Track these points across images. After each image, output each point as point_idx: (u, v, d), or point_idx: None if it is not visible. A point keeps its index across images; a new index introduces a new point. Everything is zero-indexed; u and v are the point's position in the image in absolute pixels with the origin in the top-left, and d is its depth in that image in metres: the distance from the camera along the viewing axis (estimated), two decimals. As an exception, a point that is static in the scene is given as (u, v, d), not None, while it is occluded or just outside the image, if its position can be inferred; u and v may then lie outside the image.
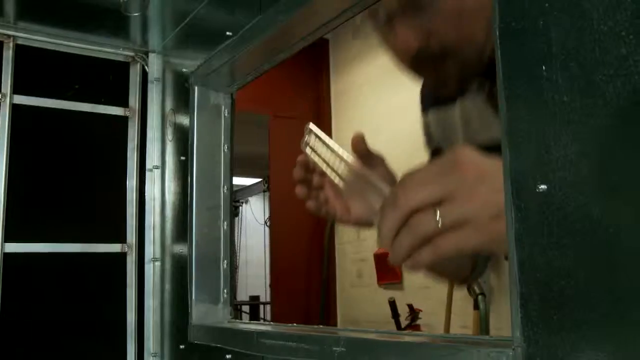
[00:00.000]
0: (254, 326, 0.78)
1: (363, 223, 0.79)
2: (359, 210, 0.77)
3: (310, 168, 0.78)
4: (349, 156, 0.72)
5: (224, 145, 0.89)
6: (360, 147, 0.76)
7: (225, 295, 0.87)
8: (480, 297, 1.49)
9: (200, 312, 0.85)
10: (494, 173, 0.50)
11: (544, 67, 0.39)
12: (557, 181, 0.38)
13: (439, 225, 0.51)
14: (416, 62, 0.76)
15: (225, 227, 0.88)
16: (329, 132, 4.04)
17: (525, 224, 0.39)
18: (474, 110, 0.91)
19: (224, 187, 0.89)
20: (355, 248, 3.60)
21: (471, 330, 1.83)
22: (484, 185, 0.51)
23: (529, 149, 0.40)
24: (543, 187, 0.38)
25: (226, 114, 0.91)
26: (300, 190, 0.78)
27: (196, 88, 0.90)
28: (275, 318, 3.95)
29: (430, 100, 0.97)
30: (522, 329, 0.40)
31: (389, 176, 0.78)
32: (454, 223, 0.51)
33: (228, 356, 0.75)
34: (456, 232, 0.51)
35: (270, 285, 4.15)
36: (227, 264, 0.87)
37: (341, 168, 0.73)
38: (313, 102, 4.12)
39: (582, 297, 0.36)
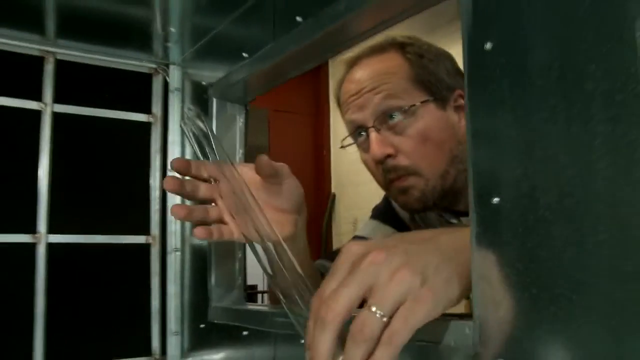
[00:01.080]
0: (266, 307, 0.90)
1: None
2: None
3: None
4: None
5: (238, 151, 1.02)
6: (264, 171, 0.80)
7: (239, 282, 1.00)
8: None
9: (218, 296, 0.98)
10: (393, 247, 0.52)
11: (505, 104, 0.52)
12: (507, 195, 0.50)
13: (381, 317, 0.48)
14: (382, 173, 0.97)
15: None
16: (327, 129, 4.15)
17: (483, 228, 0.52)
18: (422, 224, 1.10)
19: (238, 186, 1.02)
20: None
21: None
22: (395, 258, 0.50)
23: (486, 172, 0.52)
24: (496, 199, 0.51)
25: (240, 123, 1.03)
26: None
27: (214, 100, 1.02)
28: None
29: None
30: (480, 308, 0.53)
31: (295, 188, 0.84)
32: (397, 304, 0.49)
33: (245, 332, 0.88)
34: (409, 309, 0.49)
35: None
36: (241, 254, 1.00)
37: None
38: (312, 98, 4.23)
39: (524, 286, 0.49)
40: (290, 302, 0.65)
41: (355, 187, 3.94)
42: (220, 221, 0.80)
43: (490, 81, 0.52)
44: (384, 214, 1.17)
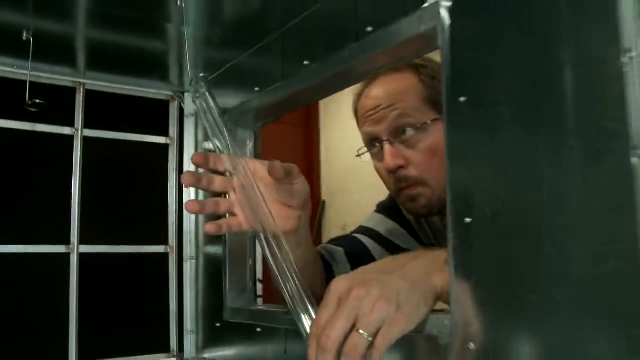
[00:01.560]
0: (278, 307, 1.04)
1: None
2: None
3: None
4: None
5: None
6: (277, 175, 0.86)
7: (250, 286, 1.14)
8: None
9: (232, 298, 1.12)
10: (371, 280, 0.66)
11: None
12: (476, 217, 0.64)
13: (367, 337, 0.63)
14: (394, 181, 1.09)
15: (249, 233, 1.14)
16: (317, 139, 4.27)
17: (459, 242, 0.66)
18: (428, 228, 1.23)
19: (249, 202, 1.16)
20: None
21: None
22: (373, 290, 0.65)
23: (461, 200, 0.66)
24: (468, 220, 0.65)
25: (250, 147, 1.17)
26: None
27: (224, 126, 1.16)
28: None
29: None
30: (456, 304, 0.66)
31: (303, 187, 0.91)
32: (378, 327, 0.64)
33: (258, 329, 1.02)
34: (386, 330, 0.64)
35: (259, 280, 4.42)
36: (252, 262, 1.14)
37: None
38: (303, 109, 4.36)
39: (491, 288, 0.63)
40: (280, 286, 0.80)
41: (344, 195, 4.08)
42: (231, 213, 0.87)
43: (463, 126, 0.66)
44: (389, 209, 1.30)
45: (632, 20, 0.52)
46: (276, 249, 0.84)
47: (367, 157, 1.19)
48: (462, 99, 0.66)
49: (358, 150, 1.20)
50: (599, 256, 0.53)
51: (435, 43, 0.72)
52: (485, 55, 0.65)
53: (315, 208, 4.23)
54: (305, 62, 0.93)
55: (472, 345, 0.64)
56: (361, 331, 0.64)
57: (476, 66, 0.66)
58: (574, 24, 0.56)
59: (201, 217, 1.24)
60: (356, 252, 1.22)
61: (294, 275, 0.81)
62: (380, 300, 0.64)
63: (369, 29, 0.81)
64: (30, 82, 1.08)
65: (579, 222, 0.55)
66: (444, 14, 0.70)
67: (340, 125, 3.97)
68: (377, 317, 0.64)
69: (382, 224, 1.30)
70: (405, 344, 0.70)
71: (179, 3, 0.98)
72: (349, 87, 0.97)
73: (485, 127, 0.64)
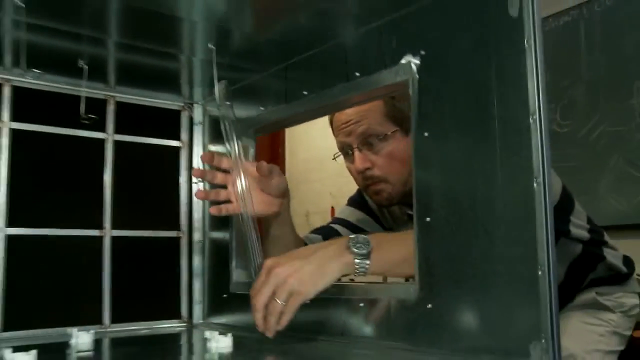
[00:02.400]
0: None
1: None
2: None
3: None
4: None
5: (251, 171, 1.43)
6: (262, 172, 1.24)
7: (252, 264, 1.41)
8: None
9: (237, 274, 1.39)
10: (286, 263, 0.99)
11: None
12: (435, 217, 0.93)
13: (282, 302, 0.97)
14: (362, 179, 1.39)
15: (251, 223, 1.41)
16: (282, 132, 4.52)
17: (422, 235, 0.95)
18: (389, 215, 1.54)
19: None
20: (304, 230, 4.15)
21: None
22: (286, 269, 0.98)
23: (423, 203, 0.95)
24: (428, 219, 0.94)
25: (251, 151, 1.44)
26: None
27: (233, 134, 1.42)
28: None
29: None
30: (420, 280, 0.95)
31: (281, 181, 1.29)
32: (289, 296, 0.97)
33: (262, 298, 1.29)
34: (292, 298, 0.97)
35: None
36: (252, 246, 1.41)
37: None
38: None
39: (444, 268, 0.92)
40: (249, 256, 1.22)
41: (307, 184, 4.37)
42: (228, 200, 1.25)
43: (427, 154, 0.95)
44: (358, 202, 1.62)
45: (534, 92, 0.81)
46: (252, 230, 1.22)
47: (341, 159, 1.49)
48: (426, 134, 0.95)
49: (335, 155, 1.48)
50: (513, 241, 0.83)
51: (405, 90, 1.00)
52: (442, 102, 0.94)
53: (280, 195, 4.50)
54: (305, 92, 1.20)
55: (429, 306, 0.93)
56: (277, 299, 0.98)
57: (435, 110, 0.95)
58: (500, 91, 0.86)
59: (207, 207, 1.51)
60: (332, 238, 1.51)
61: (259, 251, 1.20)
62: (290, 277, 0.98)
63: (357, 74, 1.09)
64: (72, 95, 1.33)
65: (500, 219, 0.84)
66: (414, 70, 0.98)
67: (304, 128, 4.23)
68: (287, 289, 0.98)
69: (353, 215, 1.60)
70: (384, 305, 0.99)
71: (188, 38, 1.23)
72: (335, 113, 1.25)
73: (440, 155, 0.93)
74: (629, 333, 1.45)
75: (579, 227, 1.35)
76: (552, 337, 0.78)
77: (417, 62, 0.98)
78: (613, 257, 1.43)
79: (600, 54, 2.74)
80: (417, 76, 0.98)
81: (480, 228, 0.87)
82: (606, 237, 1.45)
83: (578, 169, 2.79)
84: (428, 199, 0.95)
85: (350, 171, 1.47)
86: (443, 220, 0.92)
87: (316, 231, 1.57)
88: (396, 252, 1.04)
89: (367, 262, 1.01)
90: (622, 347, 1.42)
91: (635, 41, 2.62)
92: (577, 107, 2.82)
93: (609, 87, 2.70)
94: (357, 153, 1.40)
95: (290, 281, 0.98)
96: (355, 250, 1.01)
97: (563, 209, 1.32)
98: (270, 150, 4.59)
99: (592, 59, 2.77)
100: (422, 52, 0.97)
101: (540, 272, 0.79)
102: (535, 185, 0.80)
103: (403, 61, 1.00)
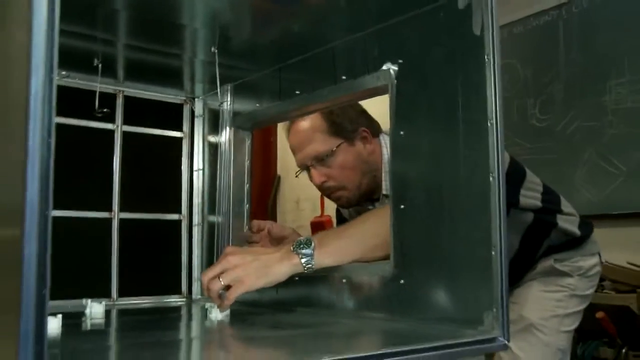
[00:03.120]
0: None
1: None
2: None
3: None
4: None
5: (247, 161, 1.57)
6: (256, 228, 1.50)
7: (246, 245, 1.55)
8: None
9: (234, 254, 1.53)
10: (238, 253, 1.15)
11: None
12: (408, 205, 1.07)
13: (223, 283, 1.12)
14: (322, 190, 1.58)
15: (247, 207, 1.56)
16: (275, 133, 4.65)
17: (397, 221, 1.09)
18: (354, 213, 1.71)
19: (246, 184, 1.57)
20: (295, 216, 4.31)
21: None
22: (236, 259, 1.14)
23: (398, 193, 1.10)
24: (402, 206, 1.08)
25: (248, 143, 1.58)
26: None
27: (231, 127, 1.56)
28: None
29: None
30: (394, 259, 1.10)
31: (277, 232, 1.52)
32: (232, 281, 1.11)
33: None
34: (235, 285, 1.11)
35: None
36: (246, 229, 1.55)
37: None
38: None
39: (416, 250, 1.07)
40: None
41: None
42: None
43: (401, 150, 1.09)
44: (337, 210, 1.79)
45: (492, 100, 0.95)
46: None
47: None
48: (401, 132, 1.10)
49: (296, 172, 1.64)
50: (473, 227, 0.97)
51: (385, 92, 1.14)
52: (416, 105, 1.09)
53: (271, 183, 4.64)
54: (297, 92, 1.34)
55: (402, 281, 1.08)
56: (221, 280, 1.12)
57: (410, 112, 1.09)
58: (465, 98, 1.00)
59: (206, 192, 1.65)
60: None
61: None
62: (237, 267, 1.13)
63: (344, 77, 1.23)
64: (84, 89, 1.46)
65: (463, 208, 0.99)
66: (393, 76, 1.12)
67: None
68: (231, 275, 1.12)
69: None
70: (364, 280, 1.14)
71: (190, 38, 1.36)
72: (323, 110, 1.40)
73: (413, 151, 1.08)
74: (590, 292, 1.59)
75: (530, 198, 1.48)
76: (501, 307, 0.93)
77: (396, 69, 1.13)
78: (567, 222, 1.54)
79: (577, 53, 2.89)
80: (395, 81, 1.12)
81: (447, 215, 1.02)
82: (563, 205, 1.57)
83: (555, 161, 2.94)
84: (403, 190, 1.09)
85: (312, 182, 1.63)
86: (415, 207, 1.07)
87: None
88: (337, 245, 1.19)
89: (313, 259, 1.16)
90: (582, 307, 1.57)
91: (609, 42, 2.77)
92: (555, 103, 2.97)
93: (585, 85, 2.86)
94: (312, 170, 1.58)
95: (237, 270, 1.13)
96: (300, 251, 1.16)
97: (511, 182, 1.42)
98: (262, 141, 4.72)
99: (569, 57, 2.92)
100: (400, 61, 1.12)
101: (493, 253, 0.94)
102: (491, 179, 0.95)
103: (384, 67, 1.14)
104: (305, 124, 1.57)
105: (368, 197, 1.60)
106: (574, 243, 1.55)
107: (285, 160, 4.66)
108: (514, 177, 1.47)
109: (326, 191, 1.61)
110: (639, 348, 2.41)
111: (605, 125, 2.78)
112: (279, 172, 4.69)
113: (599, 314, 2.31)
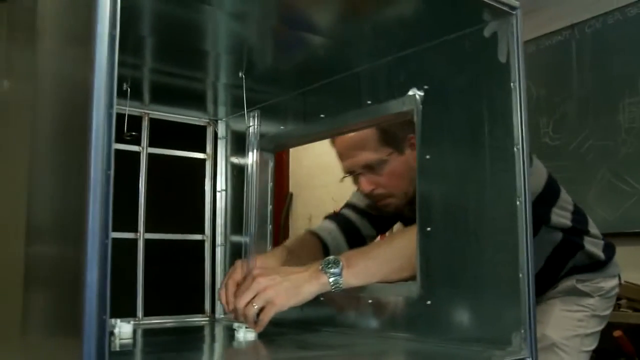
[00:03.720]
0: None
1: None
2: None
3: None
4: None
5: (270, 183, 1.60)
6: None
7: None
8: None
9: (257, 274, 1.56)
10: (267, 275, 1.16)
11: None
12: (435, 227, 1.10)
13: (256, 308, 1.13)
14: (370, 197, 1.58)
15: (270, 228, 1.58)
16: (287, 151, 4.68)
17: (423, 242, 1.12)
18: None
19: (269, 205, 1.60)
20: (307, 233, 4.33)
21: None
22: (266, 281, 1.15)
23: (425, 216, 1.12)
24: (429, 229, 1.10)
25: (271, 164, 1.60)
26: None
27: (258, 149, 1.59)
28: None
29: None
30: (421, 280, 1.12)
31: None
32: (264, 303, 1.13)
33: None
34: (267, 307, 1.13)
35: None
36: (270, 247, 1.58)
37: None
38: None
39: (443, 271, 1.09)
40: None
41: (310, 189, 4.54)
42: None
43: (428, 173, 1.12)
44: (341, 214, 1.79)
45: (518, 126, 0.98)
46: None
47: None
48: (428, 156, 1.12)
49: (342, 178, 1.65)
50: (499, 249, 1.00)
51: (410, 117, 1.17)
52: (441, 130, 1.11)
53: (284, 199, 4.67)
54: (322, 115, 1.37)
55: (428, 302, 1.10)
56: (254, 304, 1.14)
57: (436, 136, 1.12)
58: (490, 123, 1.03)
59: (229, 213, 1.68)
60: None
61: None
62: (267, 289, 1.14)
63: (369, 102, 1.26)
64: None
65: (489, 230, 1.02)
66: (419, 101, 1.15)
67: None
68: (263, 297, 1.14)
69: (363, 201, 1.73)
70: (390, 300, 1.16)
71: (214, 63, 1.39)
72: (346, 134, 1.42)
73: (439, 174, 1.11)
74: (609, 312, 1.62)
75: (561, 217, 1.51)
76: (529, 328, 0.95)
77: (421, 94, 1.15)
78: (593, 245, 1.57)
79: (590, 72, 2.92)
80: (421, 107, 1.15)
81: (473, 237, 1.04)
82: (590, 226, 1.60)
83: (568, 179, 2.96)
84: (428, 212, 1.12)
85: (358, 189, 1.64)
86: (441, 230, 1.09)
87: (330, 217, 1.74)
88: (364, 265, 1.21)
89: (341, 278, 1.18)
90: (601, 327, 1.59)
91: (621, 62, 2.80)
92: (568, 122, 3.00)
93: (598, 104, 2.88)
94: (361, 178, 1.57)
95: (268, 292, 1.14)
96: (329, 270, 1.18)
97: (545, 200, 1.46)
98: (276, 159, 4.76)
99: (582, 77, 2.95)
100: (426, 87, 1.15)
101: (520, 275, 0.96)
102: (518, 203, 0.97)
103: (410, 93, 1.17)
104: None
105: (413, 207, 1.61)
106: (597, 265, 1.57)
107: (298, 178, 4.68)
108: (549, 196, 1.49)
109: (374, 198, 1.59)
110: (656, 367, 2.42)
111: (618, 144, 2.80)
112: (291, 189, 4.72)
113: (617, 333, 2.32)
